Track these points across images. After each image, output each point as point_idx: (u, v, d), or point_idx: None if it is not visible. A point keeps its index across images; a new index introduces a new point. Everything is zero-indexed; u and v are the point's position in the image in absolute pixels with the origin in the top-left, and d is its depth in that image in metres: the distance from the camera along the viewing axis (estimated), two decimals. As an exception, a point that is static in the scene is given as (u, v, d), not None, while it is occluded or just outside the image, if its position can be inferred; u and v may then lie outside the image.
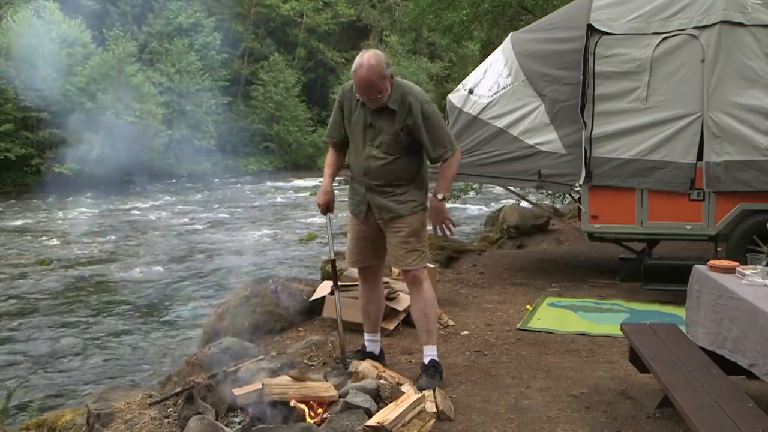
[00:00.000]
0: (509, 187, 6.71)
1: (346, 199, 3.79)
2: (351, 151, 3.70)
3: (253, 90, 36.72)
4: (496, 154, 6.04)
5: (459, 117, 6.28)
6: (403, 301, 4.57)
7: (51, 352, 6.85)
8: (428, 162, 3.72)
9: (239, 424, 2.99)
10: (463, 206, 15.49)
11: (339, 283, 3.97)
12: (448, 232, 3.67)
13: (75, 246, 13.04)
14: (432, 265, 4.94)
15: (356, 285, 4.14)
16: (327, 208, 3.78)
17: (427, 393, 3.28)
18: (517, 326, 4.81)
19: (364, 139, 3.58)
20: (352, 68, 3.42)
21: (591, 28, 5.62)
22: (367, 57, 3.36)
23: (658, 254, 5.94)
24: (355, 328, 4.36)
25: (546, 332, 4.68)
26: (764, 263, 3.23)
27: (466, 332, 4.69)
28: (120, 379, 5.81)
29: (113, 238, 14.10)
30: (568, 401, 3.44)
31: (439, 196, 3.58)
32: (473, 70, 6.86)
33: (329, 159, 3.81)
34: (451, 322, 4.86)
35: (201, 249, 12.66)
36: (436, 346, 3.73)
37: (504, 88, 6.09)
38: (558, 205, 10.75)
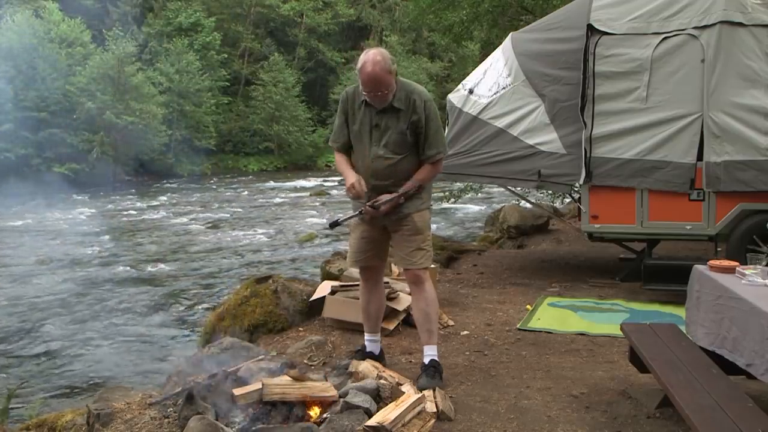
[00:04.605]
0: (509, 187, 6.71)
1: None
2: (355, 155, 3.66)
3: (253, 90, 36.76)
4: (496, 154, 6.04)
5: (459, 117, 6.28)
6: (404, 301, 4.57)
7: (51, 352, 6.85)
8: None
9: (239, 424, 2.99)
10: (463, 206, 15.48)
11: (339, 283, 3.94)
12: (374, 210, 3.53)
13: (75, 246, 13.03)
14: (432, 265, 4.94)
15: (357, 285, 4.13)
16: (360, 189, 3.53)
17: (427, 393, 3.28)
18: (517, 326, 4.81)
19: (370, 140, 3.56)
20: (358, 66, 3.42)
21: (591, 28, 5.62)
22: (372, 54, 3.39)
23: (658, 254, 5.93)
24: (355, 328, 4.36)
25: (546, 332, 4.68)
26: (764, 263, 3.23)
27: (466, 332, 4.69)
28: (120, 379, 5.80)
29: (113, 238, 14.10)
30: (568, 401, 3.44)
31: (403, 189, 3.51)
32: (473, 70, 6.86)
33: (340, 158, 3.71)
34: (451, 322, 4.86)
35: (201, 249, 12.67)
36: (437, 346, 3.74)
37: (504, 88, 6.09)
38: (558, 205, 10.74)
